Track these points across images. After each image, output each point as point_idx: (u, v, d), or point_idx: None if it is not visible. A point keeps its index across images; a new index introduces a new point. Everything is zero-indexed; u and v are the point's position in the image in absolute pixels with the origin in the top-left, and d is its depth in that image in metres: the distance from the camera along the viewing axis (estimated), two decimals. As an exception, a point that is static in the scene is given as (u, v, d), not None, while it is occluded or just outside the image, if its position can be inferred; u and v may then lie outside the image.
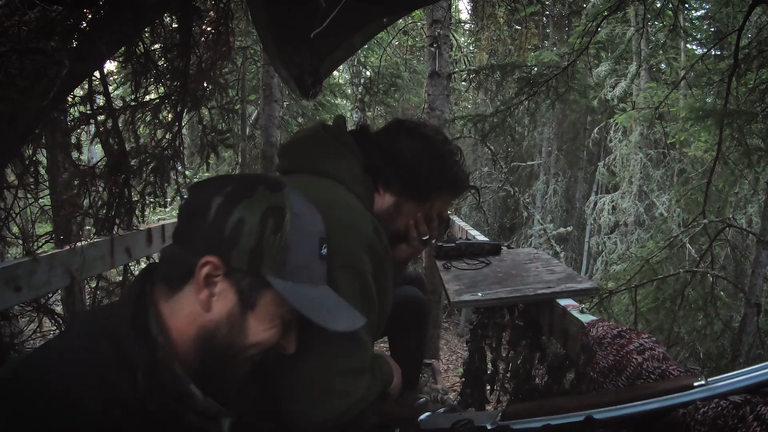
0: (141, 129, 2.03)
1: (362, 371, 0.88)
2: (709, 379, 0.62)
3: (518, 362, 1.50)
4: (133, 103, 1.94)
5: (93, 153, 4.63)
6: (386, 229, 1.01)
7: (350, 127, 1.09)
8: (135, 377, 0.58)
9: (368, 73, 9.76)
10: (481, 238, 2.37)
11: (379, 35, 6.18)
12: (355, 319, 0.73)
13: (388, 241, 0.95)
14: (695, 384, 0.62)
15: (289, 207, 0.66)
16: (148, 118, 1.98)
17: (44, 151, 1.77)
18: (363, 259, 0.87)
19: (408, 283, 1.76)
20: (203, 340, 0.63)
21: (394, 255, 1.06)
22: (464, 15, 11.34)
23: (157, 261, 0.71)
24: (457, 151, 1.06)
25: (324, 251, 0.71)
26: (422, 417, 0.88)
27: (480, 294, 1.36)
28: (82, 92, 1.85)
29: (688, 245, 5.23)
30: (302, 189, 0.95)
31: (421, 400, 1.16)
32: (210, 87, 2.07)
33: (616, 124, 8.53)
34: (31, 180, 1.64)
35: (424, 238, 1.06)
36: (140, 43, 1.81)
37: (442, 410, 0.95)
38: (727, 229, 4.45)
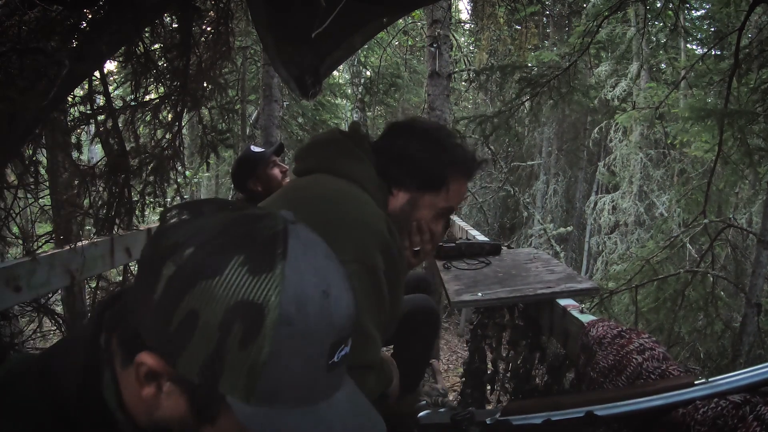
0: (141, 129, 2.04)
1: (370, 368, 0.88)
2: (710, 378, 0.62)
3: (518, 362, 1.50)
4: (133, 103, 1.94)
5: (93, 153, 4.63)
6: (403, 227, 1.03)
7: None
8: None
9: (368, 73, 9.76)
10: (481, 238, 2.37)
11: (379, 35, 6.18)
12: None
13: (402, 245, 0.96)
14: (696, 382, 0.62)
15: (275, 306, 0.43)
16: (148, 118, 1.99)
17: (44, 151, 1.77)
18: (376, 257, 0.88)
19: (415, 285, 1.77)
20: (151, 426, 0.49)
21: (409, 259, 1.07)
22: (464, 15, 11.34)
23: (120, 295, 0.53)
24: (455, 133, 1.08)
25: (339, 356, 0.48)
26: (421, 414, 0.88)
27: (480, 294, 1.36)
28: (82, 92, 1.85)
29: (688, 245, 5.23)
30: (317, 186, 0.96)
31: (422, 403, 1.16)
32: (210, 87, 2.07)
33: (617, 124, 8.54)
34: (31, 180, 1.64)
35: (436, 235, 1.07)
36: (140, 43, 1.81)
37: (442, 410, 0.95)
38: (728, 229, 4.44)
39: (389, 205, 1.02)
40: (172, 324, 0.44)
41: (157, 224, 0.51)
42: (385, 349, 1.84)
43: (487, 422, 0.74)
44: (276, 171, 2.18)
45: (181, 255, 0.44)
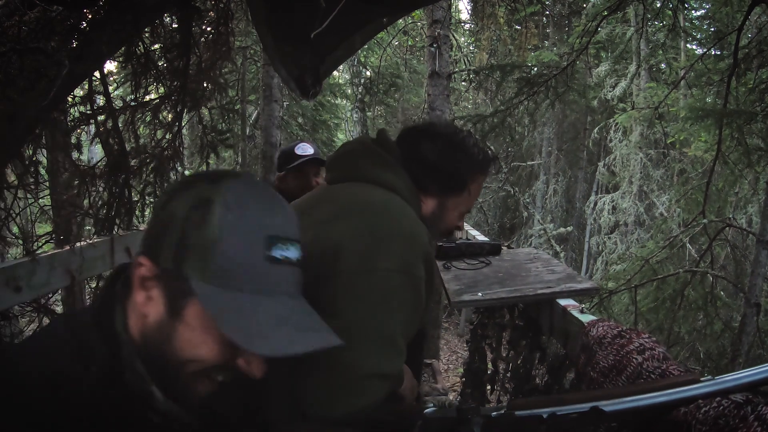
0: (141, 129, 2.03)
1: (391, 377, 0.89)
2: (715, 376, 0.62)
3: (518, 362, 1.50)
4: (133, 103, 1.94)
5: (93, 153, 4.62)
6: (436, 230, 1.07)
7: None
8: (92, 374, 0.56)
9: (368, 73, 9.76)
10: (481, 238, 2.37)
11: (379, 35, 6.17)
12: (308, 342, 0.58)
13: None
14: (702, 379, 0.62)
15: (221, 199, 0.58)
16: (148, 118, 1.98)
17: (44, 151, 1.77)
18: (419, 267, 0.89)
19: None
20: (144, 347, 0.59)
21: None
22: (464, 15, 11.36)
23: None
24: (471, 134, 1.11)
25: (278, 253, 0.59)
26: (428, 410, 0.88)
27: (480, 294, 1.36)
28: (82, 92, 1.85)
29: (688, 245, 5.23)
30: (360, 195, 0.97)
31: (429, 406, 1.16)
32: (210, 87, 2.07)
33: (616, 124, 8.54)
34: (31, 180, 1.64)
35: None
36: (140, 43, 1.81)
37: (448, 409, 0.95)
38: (727, 228, 4.44)
39: (422, 210, 1.04)
40: (156, 227, 0.59)
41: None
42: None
43: (492, 415, 0.74)
44: (315, 181, 2.12)
45: (173, 187, 0.64)
